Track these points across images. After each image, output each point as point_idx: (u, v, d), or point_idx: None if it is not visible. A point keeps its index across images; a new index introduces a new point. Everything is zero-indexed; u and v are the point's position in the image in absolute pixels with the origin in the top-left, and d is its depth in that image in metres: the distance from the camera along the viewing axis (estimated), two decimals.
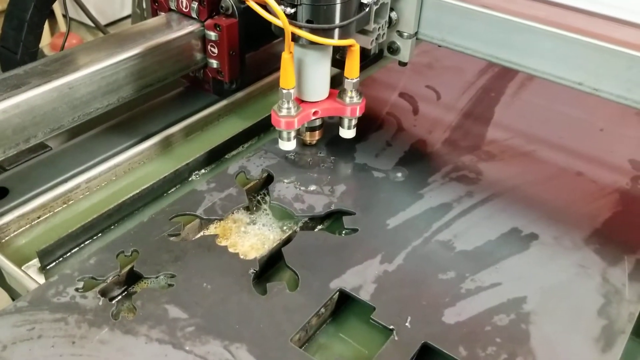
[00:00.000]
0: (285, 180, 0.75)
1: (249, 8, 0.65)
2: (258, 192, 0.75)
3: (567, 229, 0.69)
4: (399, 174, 0.77)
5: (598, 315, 0.60)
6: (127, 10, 2.99)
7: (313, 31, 0.64)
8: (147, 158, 0.81)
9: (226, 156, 0.82)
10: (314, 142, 0.80)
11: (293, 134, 0.72)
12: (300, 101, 0.73)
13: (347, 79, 0.71)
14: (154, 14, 0.87)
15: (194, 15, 0.82)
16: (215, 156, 0.81)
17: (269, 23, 0.64)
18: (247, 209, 0.72)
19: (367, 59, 0.83)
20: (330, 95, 0.74)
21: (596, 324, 0.59)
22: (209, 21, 0.82)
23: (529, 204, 0.73)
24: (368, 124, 0.84)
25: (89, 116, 0.74)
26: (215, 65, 0.85)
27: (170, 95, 0.93)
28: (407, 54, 0.73)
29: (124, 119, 0.87)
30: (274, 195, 0.72)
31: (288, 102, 0.70)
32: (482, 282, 0.62)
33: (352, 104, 0.73)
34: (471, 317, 0.59)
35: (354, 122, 0.75)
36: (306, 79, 0.71)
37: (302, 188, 0.74)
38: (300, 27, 0.64)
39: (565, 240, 0.68)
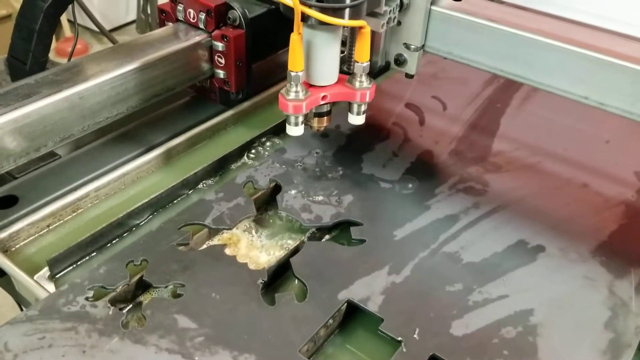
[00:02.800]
0: (293, 191, 0.75)
1: (256, 19, 0.64)
2: (266, 202, 0.76)
3: (573, 241, 0.70)
4: (407, 185, 0.77)
5: (605, 328, 0.60)
6: (132, 16, 3.00)
7: (323, 11, 0.61)
8: (155, 167, 0.81)
9: (233, 166, 0.83)
10: (322, 129, 0.75)
11: (301, 118, 0.69)
12: (308, 85, 0.69)
13: (357, 62, 0.68)
14: (162, 24, 0.88)
15: (201, 26, 0.83)
16: (223, 166, 0.81)
17: (275, 33, 0.63)
18: (255, 218, 0.73)
19: (374, 72, 0.82)
20: (339, 80, 0.71)
21: (603, 337, 0.59)
22: (216, 32, 0.82)
23: (535, 216, 0.73)
24: (375, 134, 0.84)
25: (99, 125, 0.75)
26: (222, 76, 0.85)
27: (177, 104, 0.93)
28: (414, 66, 0.73)
29: (131, 128, 0.87)
30: (282, 205, 0.73)
31: (296, 86, 0.66)
32: (489, 294, 0.63)
33: (362, 89, 0.69)
34: (479, 329, 0.59)
35: (363, 107, 0.71)
36: (315, 62, 0.68)
37: (309, 198, 0.74)
38: (310, 7, 0.61)
39: (571, 253, 0.68)
